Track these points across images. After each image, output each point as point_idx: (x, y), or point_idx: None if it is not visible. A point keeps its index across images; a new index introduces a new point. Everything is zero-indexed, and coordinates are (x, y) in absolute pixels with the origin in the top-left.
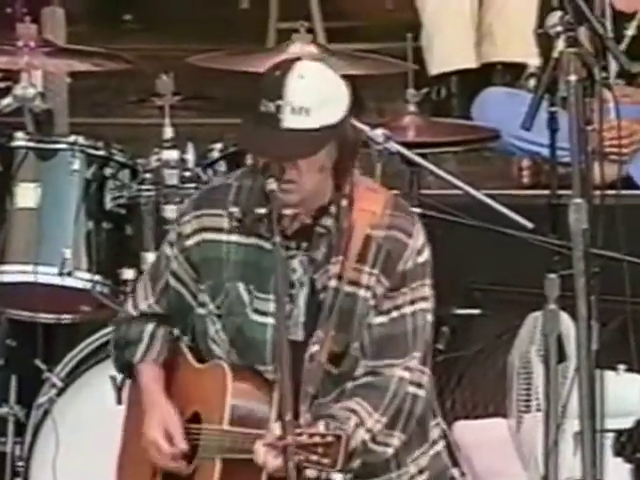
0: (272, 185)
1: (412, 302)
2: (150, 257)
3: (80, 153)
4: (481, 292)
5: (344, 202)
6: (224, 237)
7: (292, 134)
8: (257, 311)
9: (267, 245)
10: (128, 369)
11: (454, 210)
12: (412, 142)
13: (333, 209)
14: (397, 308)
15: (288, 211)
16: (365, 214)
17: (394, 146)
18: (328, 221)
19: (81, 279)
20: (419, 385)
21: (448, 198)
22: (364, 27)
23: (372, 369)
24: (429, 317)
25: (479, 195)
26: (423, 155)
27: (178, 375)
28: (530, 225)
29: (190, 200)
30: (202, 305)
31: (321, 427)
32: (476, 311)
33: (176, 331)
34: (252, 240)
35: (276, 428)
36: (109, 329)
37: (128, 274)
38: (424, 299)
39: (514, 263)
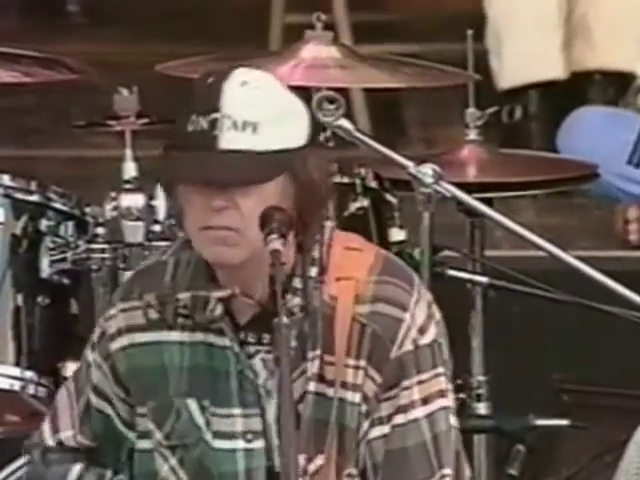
0: (275, 243)
1: (425, 401)
2: None
3: (4, 199)
4: (572, 395)
5: (313, 271)
6: (164, 336)
7: (232, 156)
8: (218, 434)
9: (219, 340)
10: None
11: (533, 279)
12: (473, 183)
13: (298, 283)
14: (402, 411)
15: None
16: (347, 285)
17: (448, 188)
18: (293, 301)
19: (6, 377)
20: None
21: (524, 262)
22: (405, 21)
23: None
24: (454, 420)
25: (568, 258)
26: (489, 201)
27: None
28: None
29: (120, 286)
30: (144, 436)
31: None
32: (564, 422)
33: (109, 474)
34: (199, 336)
35: None
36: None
37: (73, 369)
38: (442, 394)
39: (619, 354)
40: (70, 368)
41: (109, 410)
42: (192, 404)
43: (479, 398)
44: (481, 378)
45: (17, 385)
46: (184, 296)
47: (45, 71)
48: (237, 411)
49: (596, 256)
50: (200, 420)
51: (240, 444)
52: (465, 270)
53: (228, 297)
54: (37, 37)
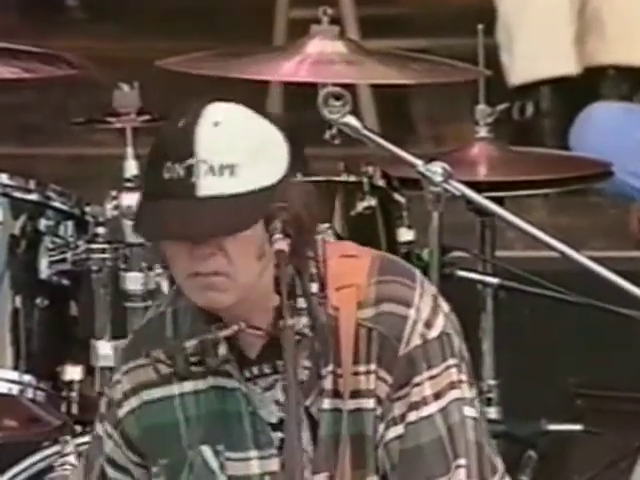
0: (280, 244)
1: (437, 396)
2: (104, 348)
3: (2, 198)
4: (585, 399)
5: (314, 287)
6: (175, 389)
7: (212, 203)
8: (233, 479)
9: (227, 383)
10: None
11: (545, 280)
12: (484, 181)
13: (302, 302)
14: (414, 408)
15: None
16: (348, 293)
17: (458, 187)
18: (300, 322)
19: (4, 381)
20: None
21: (536, 262)
22: (414, 15)
23: None
24: (469, 410)
25: (581, 258)
26: (499, 200)
27: None
28: None
29: (119, 352)
30: None
31: None
32: (578, 427)
33: None
34: (209, 382)
35: None
36: (48, 452)
37: (73, 373)
38: (454, 386)
39: (634, 357)
40: (70, 372)
41: None
42: (206, 450)
43: (489, 402)
44: (492, 382)
45: (15, 389)
46: (191, 344)
47: (44, 67)
48: (253, 453)
49: (610, 256)
50: (214, 464)
51: None
52: (475, 271)
53: (235, 333)
54: (36, 32)
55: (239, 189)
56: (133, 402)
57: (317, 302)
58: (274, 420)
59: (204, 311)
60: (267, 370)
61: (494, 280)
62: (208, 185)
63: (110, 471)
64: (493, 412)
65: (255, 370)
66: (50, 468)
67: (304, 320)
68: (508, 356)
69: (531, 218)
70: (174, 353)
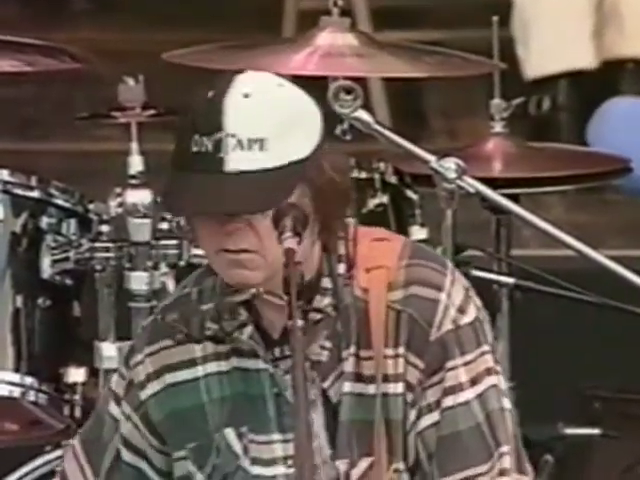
0: (290, 242)
1: (473, 382)
2: (108, 350)
3: (3, 195)
4: (603, 402)
5: (341, 268)
6: (200, 371)
7: (241, 179)
8: (257, 461)
9: (250, 364)
10: None
11: (562, 280)
12: (499, 178)
13: (327, 282)
14: (450, 393)
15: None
16: (378, 274)
17: (472, 184)
18: (323, 301)
19: (5, 383)
20: None
21: (553, 262)
22: (427, 7)
23: None
24: (507, 402)
25: (599, 257)
26: (515, 198)
27: None
28: None
29: (140, 330)
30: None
31: None
32: (596, 431)
33: None
34: (233, 362)
35: None
36: (50, 456)
37: (76, 375)
38: (490, 372)
39: None
40: (73, 374)
41: (142, 464)
42: (230, 433)
43: None
44: (507, 384)
45: (17, 392)
46: (208, 307)
47: (47, 60)
48: (276, 437)
49: (628, 255)
50: (237, 447)
51: (281, 470)
52: (490, 270)
53: (252, 298)
54: (38, 24)
55: (269, 164)
56: (156, 385)
57: (343, 283)
58: None
59: (230, 290)
60: (287, 352)
61: (510, 280)
62: (236, 160)
63: (125, 454)
64: None
65: (277, 352)
66: (52, 473)
67: (328, 300)
68: (524, 358)
69: (548, 216)
70: (189, 315)
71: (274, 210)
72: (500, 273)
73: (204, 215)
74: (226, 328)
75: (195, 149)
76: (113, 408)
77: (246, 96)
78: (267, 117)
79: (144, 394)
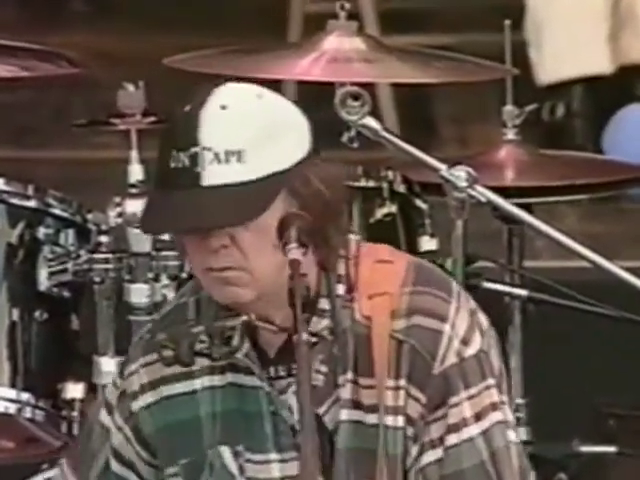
0: (294, 253)
1: (478, 417)
2: (107, 365)
3: None
4: (619, 419)
5: (340, 289)
6: (196, 384)
7: (219, 192)
8: None
9: (247, 380)
10: None
11: (576, 292)
12: (511, 187)
13: (325, 303)
14: (454, 430)
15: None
16: (381, 301)
17: (483, 193)
18: (321, 323)
19: (0, 399)
20: None
21: (567, 273)
22: (437, 10)
23: None
24: (512, 434)
25: (614, 269)
26: (528, 207)
27: None
28: None
29: (135, 341)
30: None
31: None
32: (612, 449)
33: None
34: (228, 378)
35: None
36: (47, 474)
37: (74, 391)
38: (496, 407)
39: None
40: (71, 390)
41: (131, 476)
42: (225, 451)
43: (518, 422)
44: (520, 401)
45: (13, 408)
46: (199, 330)
47: (44, 65)
48: (274, 456)
49: None
50: (233, 466)
51: None
52: (502, 282)
53: (244, 325)
54: (36, 28)
55: (247, 176)
56: (150, 397)
57: (342, 305)
58: (292, 423)
59: (224, 313)
60: (282, 372)
61: (522, 292)
62: (213, 174)
63: (114, 465)
64: (522, 432)
65: (272, 371)
66: None
67: (325, 322)
68: (537, 373)
69: (561, 226)
70: (178, 337)
71: (279, 220)
72: (512, 285)
73: (181, 232)
74: (216, 353)
75: (173, 165)
76: (104, 417)
77: (223, 108)
78: (244, 128)
79: (136, 405)
